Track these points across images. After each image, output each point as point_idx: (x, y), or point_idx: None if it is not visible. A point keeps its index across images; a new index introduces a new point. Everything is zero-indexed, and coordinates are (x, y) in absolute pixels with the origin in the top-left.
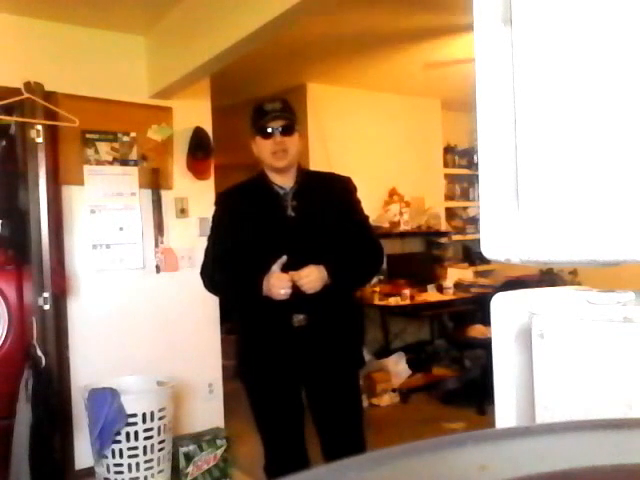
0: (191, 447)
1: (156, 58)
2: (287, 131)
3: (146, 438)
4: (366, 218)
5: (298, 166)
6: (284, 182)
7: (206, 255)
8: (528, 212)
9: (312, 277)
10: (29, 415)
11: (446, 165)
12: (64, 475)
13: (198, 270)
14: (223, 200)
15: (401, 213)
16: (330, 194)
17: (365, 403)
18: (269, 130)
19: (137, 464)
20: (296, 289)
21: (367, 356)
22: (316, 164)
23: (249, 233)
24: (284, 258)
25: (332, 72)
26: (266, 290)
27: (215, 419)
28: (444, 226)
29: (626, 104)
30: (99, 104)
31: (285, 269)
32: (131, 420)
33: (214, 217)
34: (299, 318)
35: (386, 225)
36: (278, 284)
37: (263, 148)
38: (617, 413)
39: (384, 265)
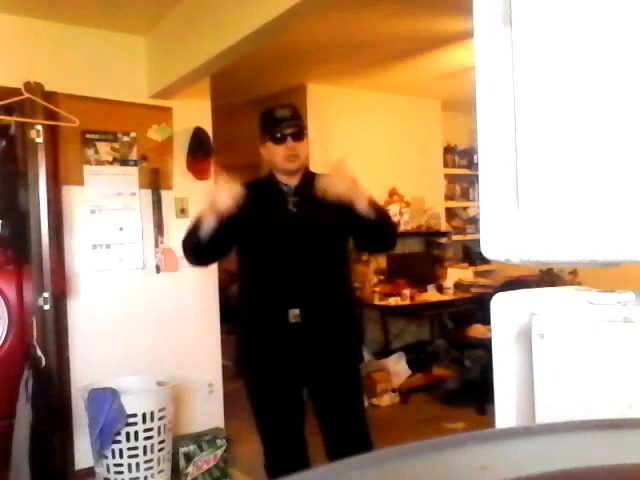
0: (191, 447)
1: (156, 58)
2: (298, 137)
3: (146, 438)
4: None
5: (305, 167)
6: (290, 181)
7: None
8: (528, 212)
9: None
10: (29, 415)
11: (446, 165)
12: (64, 475)
13: (198, 270)
14: None
15: (401, 213)
16: None
17: (365, 403)
18: (281, 137)
19: (137, 464)
20: (291, 284)
21: (367, 356)
22: (316, 164)
23: (251, 226)
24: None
25: (332, 72)
26: (210, 205)
27: (215, 419)
28: (444, 226)
29: (626, 104)
30: (99, 104)
31: (284, 263)
32: (131, 420)
33: None
34: (295, 313)
35: None
36: (215, 194)
37: (275, 153)
38: (617, 413)
39: (384, 265)
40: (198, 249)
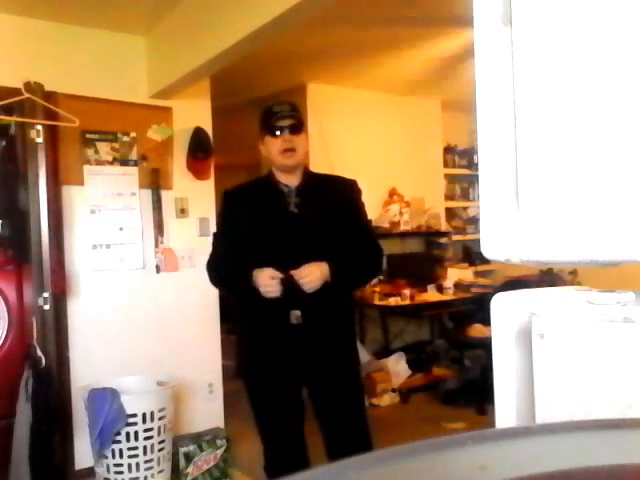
0: (191, 447)
1: (156, 58)
2: (295, 130)
3: (146, 438)
4: (369, 222)
5: (304, 167)
6: (290, 181)
7: (212, 250)
8: (528, 212)
9: (312, 276)
10: (29, 415)
11: (446, 165)
12: (64, 475)
13: (198, 270)
14: (229, 197)
15: (401, 213)
16: (334, 194)
17: (365, 403)
18: (278, 129)
19: (137, 464)
20: (293, 286)
21: (367, 356)
22: (316, 164)
23: (252, 228)
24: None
25: (332, 72)
26: (256, 285)
27: (215, 419)
28: (444, 226)
29: (626, 104)
30: (99, 104)
31: (285, 264)
32: (131, 420)
33: (220, 213)
34: (296, 315)
35: (386, 225)
36: (265, 283)
37: (272, 147)
38: (617, 413)
39: (384, 265)
40: (226, 291)
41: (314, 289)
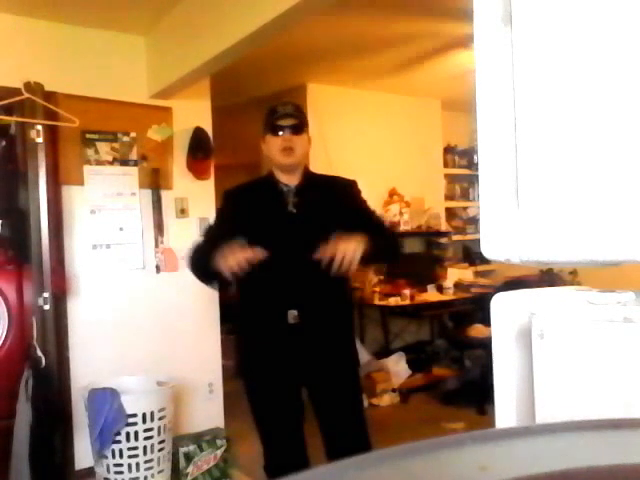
0: (191, 447)
1: (156, 58)
2: (296, 130)
3: (146, 438)
4: (374, 211)
5: (305, 167)
6: (289, 181)
7: (200, 239)
8: (528, 212)
9: (350, 249)
10: (29, 415)
11: (446, 165)
12: (64, 475)
13: None
14: (229, 196)
15: (401, 213)
16: (333, 194)
17: (365, 403)
18: (279, 128)
19: (137, 464)
20: (290, 285)
21: (367, 356)
22: (316, 164)
23: (250, 227)
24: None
25: (332, 72)
26: (218, 260)
27: (215, 419)
28: (444, 226)
29: (626, 104)
30: (99, 104)
31: (282, 264)
32: (131, 420)
33: (218, 210)
34: (294, 314)
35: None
36: (230, 254)
37: (272, 145)
38: (617, 413)
39: (383, 265)
40: (205, 280)
41: (353, 263)
